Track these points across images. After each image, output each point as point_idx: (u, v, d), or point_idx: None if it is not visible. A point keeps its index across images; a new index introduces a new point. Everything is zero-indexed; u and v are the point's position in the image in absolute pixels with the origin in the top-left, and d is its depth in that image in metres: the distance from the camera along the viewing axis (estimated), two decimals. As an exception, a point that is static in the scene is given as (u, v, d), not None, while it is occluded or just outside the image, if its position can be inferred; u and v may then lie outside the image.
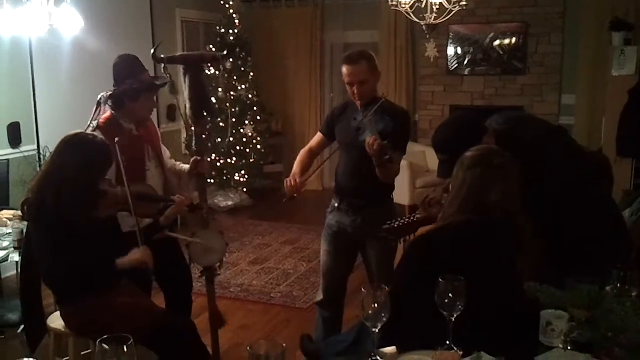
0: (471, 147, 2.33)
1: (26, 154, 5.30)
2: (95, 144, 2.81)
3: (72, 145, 2.78)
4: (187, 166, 3.48)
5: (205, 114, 3.25)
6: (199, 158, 3.34)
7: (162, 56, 3.17)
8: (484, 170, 2.14)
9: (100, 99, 3.17)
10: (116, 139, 2.95)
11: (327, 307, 3.57)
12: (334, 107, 3.56)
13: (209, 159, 7.59)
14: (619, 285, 1.91)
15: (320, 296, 3.57)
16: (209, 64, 6.51)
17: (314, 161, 3.56)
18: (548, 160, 2.52)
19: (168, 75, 3.22)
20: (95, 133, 3.03)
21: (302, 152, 3.54)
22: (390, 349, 1.91)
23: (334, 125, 3.44)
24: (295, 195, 3.27)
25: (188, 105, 3.22)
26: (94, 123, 3.15)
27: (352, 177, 3.33)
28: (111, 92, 3.16)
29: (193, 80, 3.17)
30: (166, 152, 3.58)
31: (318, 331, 3.62)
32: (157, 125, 3.71)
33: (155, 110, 3.57)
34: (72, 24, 4.88)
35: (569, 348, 1.83)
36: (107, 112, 3.21)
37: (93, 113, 3.19)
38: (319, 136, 3.54)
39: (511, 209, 2.09)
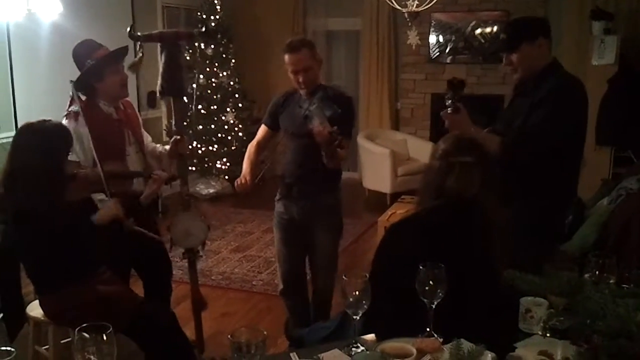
0: (529, 35, 2.91)
1: (4, 140, 5.22)
2: (49, 128, 2.78)
3: (27, 135, 2.75)
4: (166, 147, 3.45)
5: (176, 92, 3.24)
6: (178, 137, 3.32)
7: (139, 34, 3.15)
8: (441, 164, 2.18)
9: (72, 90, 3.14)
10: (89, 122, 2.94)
11: (289, 295, 3.59)
12: (275, 97, 3.54)
13: (190, 146, 7.55)
14: (597, 272, 1.94)
15: (280, 285, 3.60)
16: (186, 44, 6.47)
17: (262, 154, 3.60)
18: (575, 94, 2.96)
19: (141, 54, 3.18)
20: (73, 122, 3.02)
21: (250, 148, 3.55)
22: (370, 336, 1.92)
23: (277, 115, 3.43)
24: (244, 193, 3.35)
25: (159, 82, 3.19)
26: (71, 112, 3.11)
27: (301, 164, 3.34)
28: (75, 80, 3.12)
29: (168, 58, 3.15)
30: (147, 137, 3.56)
31: (291, 320, 3.64)
32: (137, 111, 3.68)
33: (136, 95, 3.55)
34: (50, 9, 4.82)
35: (548, 335, 1.86)
36: (83, 99, 3.17)
37: (68, 103, 3.16)
38: (263, 128, 3.54)
39: (472, 197, 2.11)
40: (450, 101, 2.79)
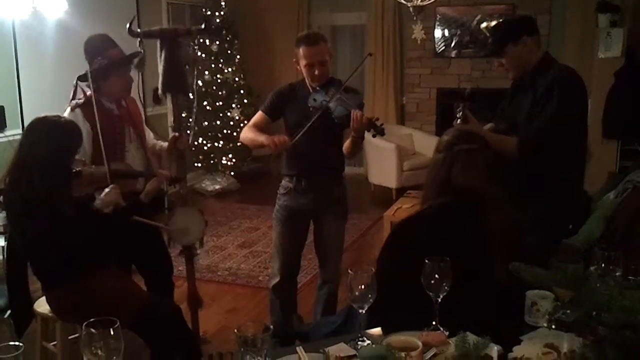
0: (511, 37, 2.93)
1: (11, 138, 5.25)
2: (61, 124, 2.79)
3: (38, 129, 2.75)
4: (166, 144, 3.45)
5: (179, 89, 3.24)
6: (177, 134, 3.32)
7: (138, 30, 3.15)
8: (446, 155, 2.20)
9: (76, 81, 3.16)
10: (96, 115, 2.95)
11: (283, 288, 3.57)
12: (279, 88, 3.51)
13: (195, 143, 7.56)
14: (603, 265, 1.93)
15: (276, 278, 3.57)
16: (192, 40, 6.47)
17: None
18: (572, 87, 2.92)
19: (142, 51, 3.18)
20: (73, 113, 3.03)
21: (250, 129, 3.39)
22: (376, 330, 1.92)
23: (282, 106, 3.40)
24: (281, 153, 3.30)
25: (160, 80, 3.19)
26: (73, 102, 3.13)
27: (311, 157, 3.32)
28: (82, 73, 3.13)
29: (168, 55, 3.15)
30: (149, 133, 3.56)
31: (275, 314, 3.63)
32: (142, 108, 3.68)
33: (141, 92, 3.55)
34: (55, 6, 4.84)
35: (554, 327, 1.86)
36: (87, 92, 3.18)
37: (71, 95, 3.17)
38: (261, 115, 3.43)
39: (480, 189, 2.11)
40: (460, 112, 2.91)
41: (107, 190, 2.85)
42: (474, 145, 2.19)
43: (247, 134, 3.41)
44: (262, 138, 3.26)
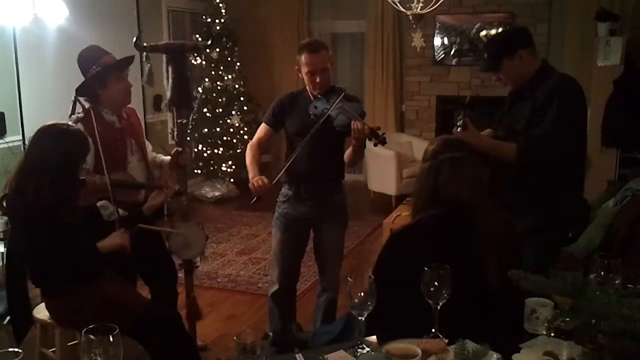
0: (507, 52, 2.91)
1: (11, 144, 5.25)
2: (71, 132, 2.79)
3: (48, 135, 2.75)
4: (167, 158, 3.45)
5: (185, 104, 3.24)
6: (179, 149, 3.32)
7: (145, 44, 3.15)
8: (432, 163, 2.22)
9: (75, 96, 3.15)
10: (96, 129, 2.95)
11: (282, 296, 3.57)
12: (279, 97, 3.49)
13: (195, 150, 7.57)
14: (602, 273, 1.93)
15: (275, 286, 3.56)
16: (194, 54, 6.48)
17: (263, 154, 3.51)
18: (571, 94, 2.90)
19: (149, 65, 3.18)
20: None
21: (252, 148, 3.42)
22: (375, 338, 1.92)
23: (283, 116, 3.40)
24: (262, 195, 3.22)
25: (169, 95, 3.20)
26: (73, 117, 3.12)
27: (311, 165, 3.32)
28: (79, 85, 3.13)
29: (175, 70, 3.15)
30: (148, 146, 3.55)
31: (274, 323, 3.62)
32: (142, 117, 3.68)
33: (141, 99, 3.56)
34: (56, 13, 4.84)
35: (553, 335, 1.86)
36: (86, 106, 3.17)
37: (70, 109, 3.16)
38: (264, 127, 3.45)
39: (468, 197, 2.13)
40: (460, 120, 2.91)
41: (115, 232, 2.84)
42: (458, 153, 2.21)
43: (247, 154, 3.43)
44: (250, 174, 3.31)
